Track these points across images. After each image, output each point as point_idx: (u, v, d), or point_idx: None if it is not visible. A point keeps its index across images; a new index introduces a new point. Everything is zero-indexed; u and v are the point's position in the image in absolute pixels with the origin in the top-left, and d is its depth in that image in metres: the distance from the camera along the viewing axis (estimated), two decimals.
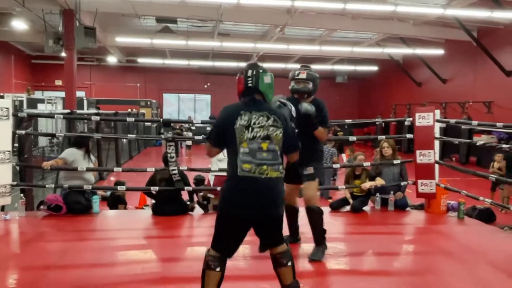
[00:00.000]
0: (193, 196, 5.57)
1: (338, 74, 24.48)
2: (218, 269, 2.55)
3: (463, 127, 13.49)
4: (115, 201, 6.38)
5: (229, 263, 2.64)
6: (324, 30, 16.02)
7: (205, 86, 25.68)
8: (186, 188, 5.25)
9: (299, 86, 3.77)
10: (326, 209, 5.66)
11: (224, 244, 2.58)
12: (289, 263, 2.65)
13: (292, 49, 17.86)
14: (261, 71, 2.73)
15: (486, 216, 6.93)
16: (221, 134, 2.66)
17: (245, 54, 19.99)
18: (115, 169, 6.13)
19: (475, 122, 5.24)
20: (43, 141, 11.65)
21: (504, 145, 5.41)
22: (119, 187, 5.46)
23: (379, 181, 5.50)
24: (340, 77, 24.69)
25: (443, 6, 11.63)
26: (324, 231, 3.78)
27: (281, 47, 17.61)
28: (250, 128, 2.57)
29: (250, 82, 2.71)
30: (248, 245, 3.74)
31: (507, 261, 3.80)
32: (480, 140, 11.92)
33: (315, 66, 20.36)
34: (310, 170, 3.71)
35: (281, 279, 2.67)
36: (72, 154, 5.18)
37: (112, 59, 21.85)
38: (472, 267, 3.65)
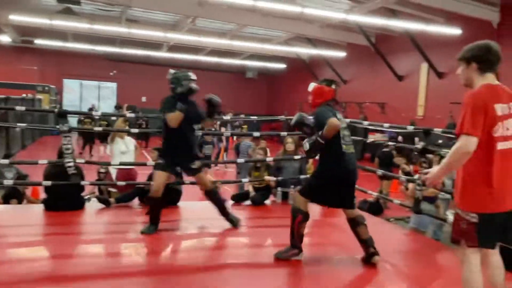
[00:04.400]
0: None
1: (248, 70, 24.82)
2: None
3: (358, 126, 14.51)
4: (10, 195, 5.84)
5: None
6: (235, 24, 16.15)
7: (111, 74, 24.44)
8: (82, 182, 4.98)
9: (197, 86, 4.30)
10: (229, 203, 5.77)
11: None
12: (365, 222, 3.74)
13: (203, 41, 17.74)
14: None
15: (376, 209, 7.59)
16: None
17: (155, 43, 19.43)
18: (1, 161, 5.52)
19: (366, 122, 5.67)
20: None
21: (390, 143, 5.94)
22: (5, 182, 5.00)
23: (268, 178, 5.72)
24: (250, 72, 25.06)
25: (345, 11, 12.38)
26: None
27: (193, 39, 17.41)
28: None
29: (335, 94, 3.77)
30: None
31: (391, 250, 4.19)
32: (373, 137, 12.92)
33: (225, 60, 20.33)
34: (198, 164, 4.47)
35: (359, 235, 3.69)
36: None
37: (4, 39, 19.81)
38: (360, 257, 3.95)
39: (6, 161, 5.36)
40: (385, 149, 8.74)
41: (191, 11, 13.68)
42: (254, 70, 24.93)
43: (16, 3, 14.53)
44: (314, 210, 5.60)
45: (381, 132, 14.26)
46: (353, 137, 3.88)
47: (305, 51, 19.60)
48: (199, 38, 17.24)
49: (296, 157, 5.82)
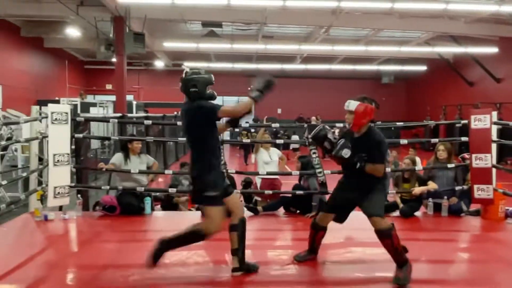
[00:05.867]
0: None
1: (384, 75, 23.91)
2: None
3: None
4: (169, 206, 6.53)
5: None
6: (370, 30, 15.70)
7: (249, 89, 25.82)
8: (235, 191, 5.32)
9: None
10: None
11: None
12: None
13: (337, 50, 17.63)
14: None
15: None
16: None
17: (289, 56, 19.96)
18: (166, 172, 6.28)
19: None
20: (95, 144, 12.15)
21: None
22: (170, 190, 5.65)
23: (431, 185, 5.32)
24: (386, 77, 24.10)
25: (497, 2, 11.10)
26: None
27: (326, 48, 17.42)
28: None
29: None
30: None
31: None
32: None
33: (360, 67, 19.84)
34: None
35: None
36: (117, 158, 5.44)
37: (159, 64, 22.47)
38: None
39: (169, 172, 6.10)
40: None
41: (324, 21, 13.70)
42: (390, 75, 23.89)
43: (167, 31, 16.37)
44: (474, 224, 5.10)
45: None
46: None
47: (449, 50, 18.12)
48: (332, 47, 17.18)
49: (450, 165, 5.35)
